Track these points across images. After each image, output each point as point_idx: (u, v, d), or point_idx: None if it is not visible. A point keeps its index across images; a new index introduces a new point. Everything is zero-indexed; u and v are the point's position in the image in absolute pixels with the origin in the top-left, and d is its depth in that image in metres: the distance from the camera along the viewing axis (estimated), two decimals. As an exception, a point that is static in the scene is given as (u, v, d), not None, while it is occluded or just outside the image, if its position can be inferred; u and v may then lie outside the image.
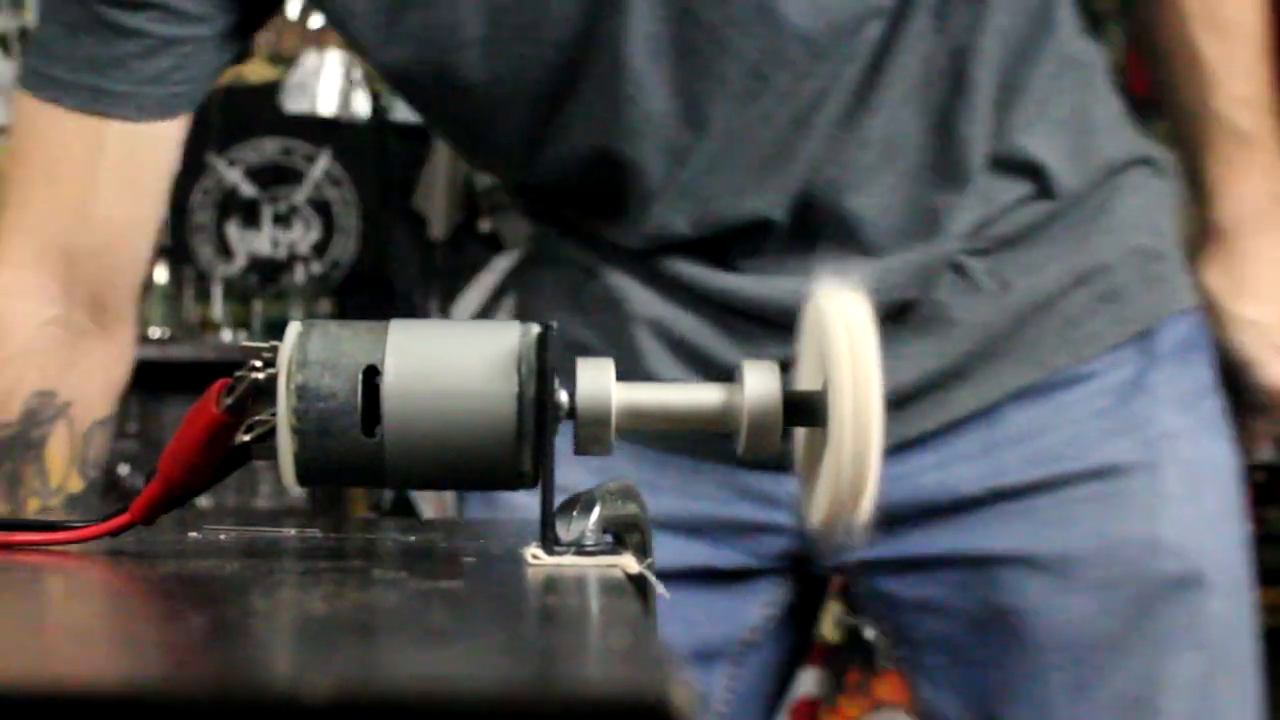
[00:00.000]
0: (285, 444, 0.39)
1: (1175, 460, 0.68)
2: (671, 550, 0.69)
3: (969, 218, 0.66)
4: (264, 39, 2.46)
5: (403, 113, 2.47)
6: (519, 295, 0.80)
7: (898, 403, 0.66)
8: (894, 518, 0.68)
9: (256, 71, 2.46)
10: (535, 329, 0.40)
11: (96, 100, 0.63)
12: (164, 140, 0.65)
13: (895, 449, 0.67)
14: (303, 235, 2.49)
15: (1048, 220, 0.67)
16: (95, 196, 0.64)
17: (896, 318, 0.66)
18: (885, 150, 0.64)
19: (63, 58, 0.63)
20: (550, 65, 0.63)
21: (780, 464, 0.67)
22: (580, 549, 0.40)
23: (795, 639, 0.75)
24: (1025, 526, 0.67)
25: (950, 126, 0.65)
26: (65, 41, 0.64)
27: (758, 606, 0.72)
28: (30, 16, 2.41)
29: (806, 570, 0.72)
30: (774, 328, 0.65)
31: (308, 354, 0.39)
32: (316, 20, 2.45)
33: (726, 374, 0.66)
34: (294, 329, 0.40)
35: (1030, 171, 0.67)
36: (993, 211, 0.66)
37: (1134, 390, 0.68)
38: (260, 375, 0.41)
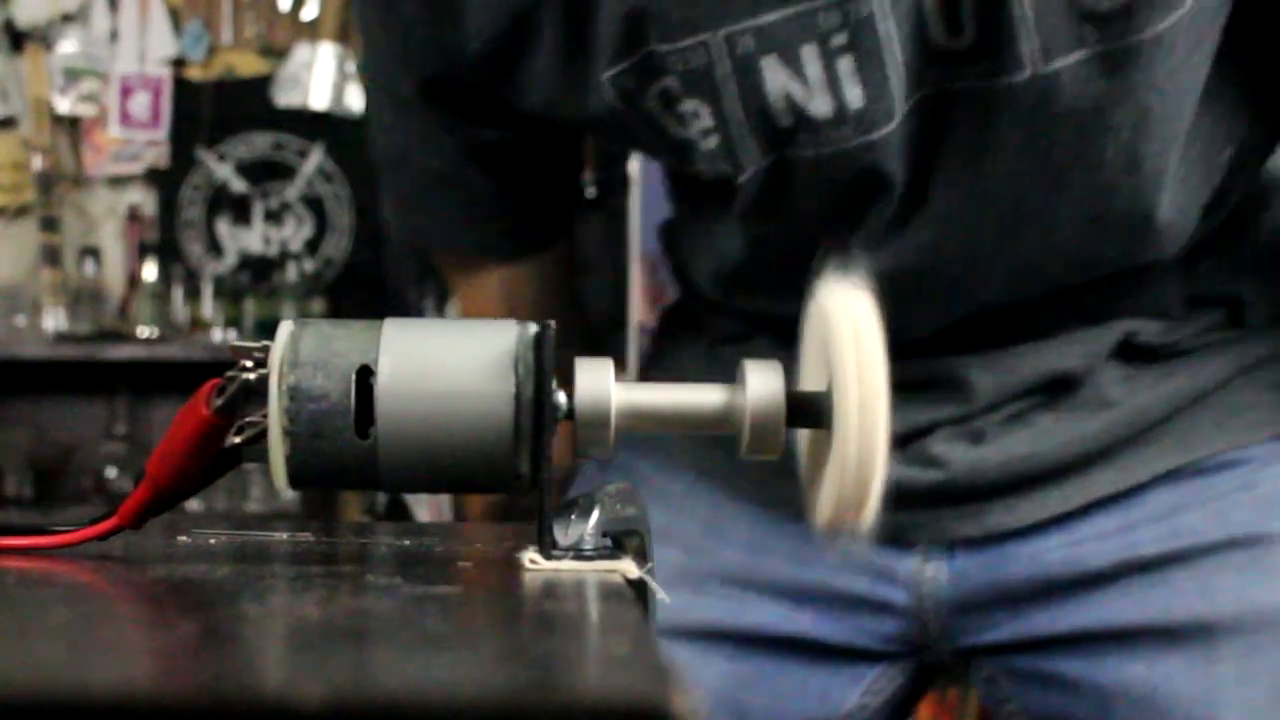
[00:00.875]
0: (277, 446, 0.39)
1: None
2: (775, 616, 0.68)
3: (1154, 338, 0.66)
4: (255, 30, 2.45)
5: (395, 110, 2.46)
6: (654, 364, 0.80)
7: (1032, 482, 0.65)
8: (1017, 597, 0.66)
9: (247, 64, 2.45)
10: (532, 328, 0.39)
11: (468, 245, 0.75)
12: (536, 271, 0.76)
13: (1024, 531, 0.66)
14: (295, 232, 2.48)
15: (1232, 341, 0.66)
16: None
17: (1053, 391, 0.65)
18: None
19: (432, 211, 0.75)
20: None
21: (902, 540, 0.66)
22: (579, 553, 0.39)
23: None
24: (1161, 597, 0.64)
25: (1156, 277, 0.65)
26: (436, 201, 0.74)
27: (857, 693, 0.69)
28: (15, 9, 2.39)
29: (922, 658, 0.69)
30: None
31: (300, 354, 0.39)
32: (309, 11, 2.44)
33: None
34: (286, 328, 0.40)
35: (1224, 303, 0.66)
36: (1179, 337, 0.65)
37: None
38: (251, 376, 0.40)
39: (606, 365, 0.40)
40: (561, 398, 0.39)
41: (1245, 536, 0.64)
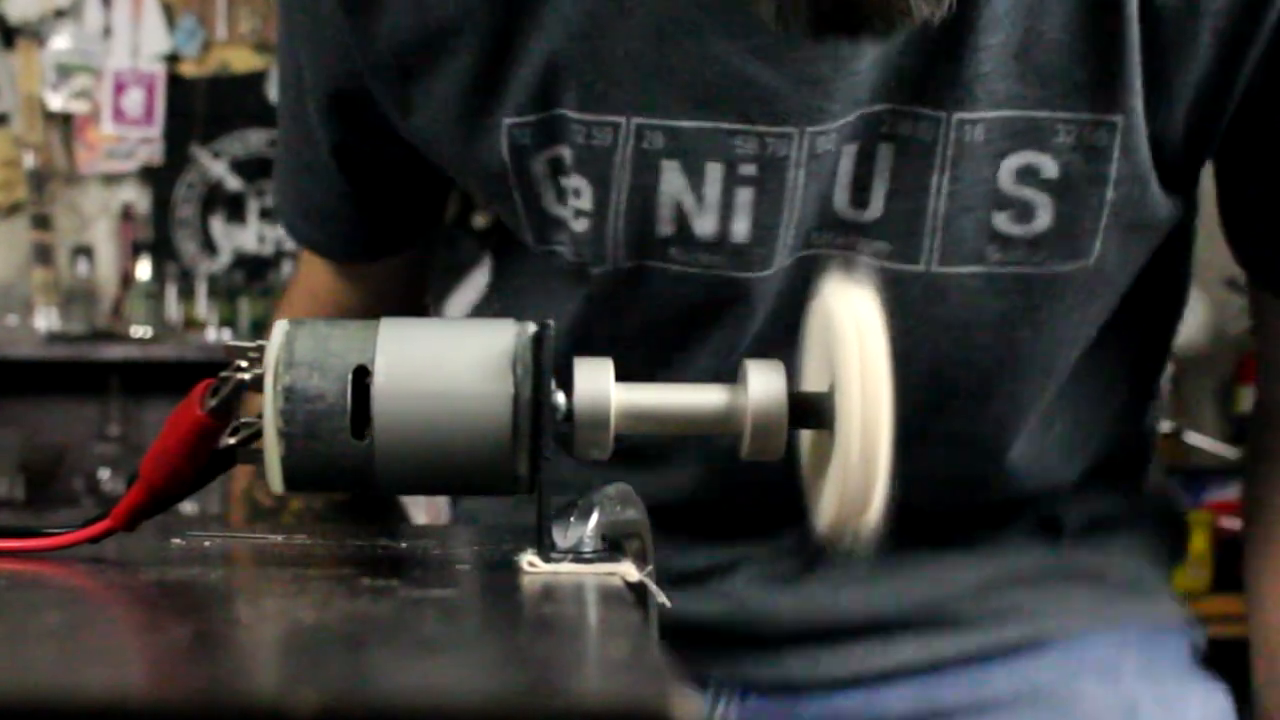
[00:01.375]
0: (272, 448, 0.38)
1: (1149, 688, 0.65)
2: None
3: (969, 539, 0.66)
4: (250, 25, 2.44)
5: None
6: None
7: (832, 636, 0.64)
8: None
9: (242, 59, 2.45)
10: (531, 327, 0.39)
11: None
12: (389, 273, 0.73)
13: (823, 686, 0.65)
14: (289, 232, 2.47)
15: (1047, 543, 0.67)
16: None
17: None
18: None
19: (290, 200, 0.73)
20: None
21: (695, 676, 0.65)
22: (578, 556, 0.39)
23: None
24: None
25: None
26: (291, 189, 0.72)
27: None
28: (7, 5, 2.39)
29: None
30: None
31: (295, 354, 0.38)
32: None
33: None
34: (281, 328, 0.39)
35: (1045, 527, 0.66)
36: (995, 541, 0.66)
37: (1100, 651, 0.66)
38: (246, 376, 0.40)
39: (606, 365, 0.39)
40: (560, 398, 0.39)
41: (1049, 693, 0.64)
